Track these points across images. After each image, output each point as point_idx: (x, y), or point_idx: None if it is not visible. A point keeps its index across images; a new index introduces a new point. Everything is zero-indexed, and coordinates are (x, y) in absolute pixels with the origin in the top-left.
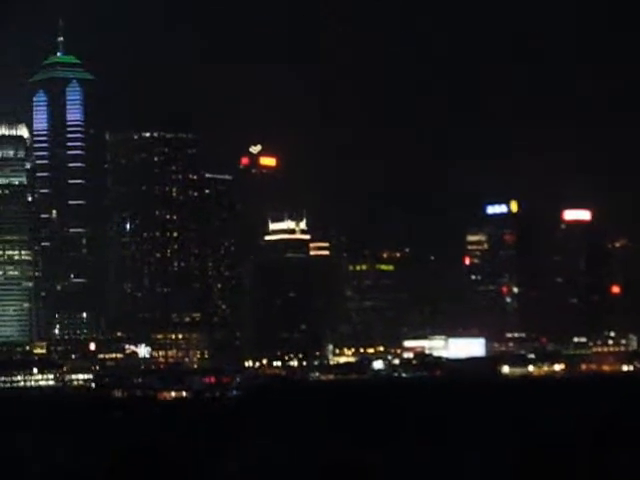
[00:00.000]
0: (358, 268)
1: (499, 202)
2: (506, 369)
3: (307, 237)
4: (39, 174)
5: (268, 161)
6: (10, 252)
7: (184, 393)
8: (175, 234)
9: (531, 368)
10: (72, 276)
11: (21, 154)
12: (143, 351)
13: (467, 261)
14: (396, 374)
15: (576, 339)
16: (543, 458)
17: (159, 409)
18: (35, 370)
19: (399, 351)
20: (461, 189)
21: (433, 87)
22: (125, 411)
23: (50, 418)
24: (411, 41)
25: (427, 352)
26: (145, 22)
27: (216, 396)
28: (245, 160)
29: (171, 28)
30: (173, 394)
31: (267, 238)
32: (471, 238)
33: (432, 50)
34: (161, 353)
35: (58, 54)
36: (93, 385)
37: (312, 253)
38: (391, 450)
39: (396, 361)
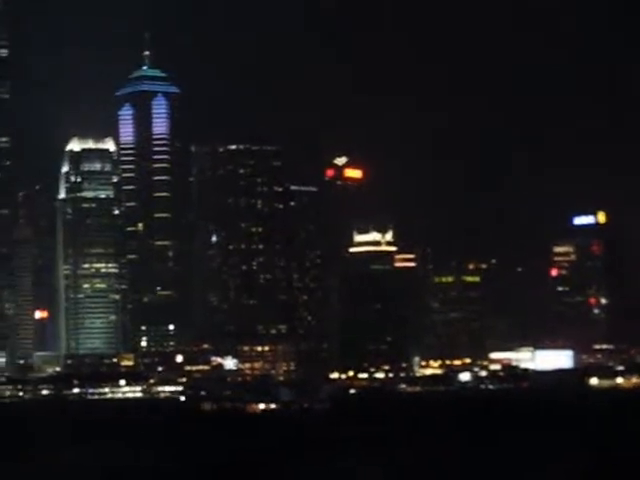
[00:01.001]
0: (444, 280)
1: (587, 213)
2: (594, 381)
3: (393, 249)
4: (125, 187)
5: (353, 173)
6: (97, 265)
7: (272, 405)
8: (261, 246)
9: (620, 380)
10: (158, 288)
11: (108, 168)
12: (229, 363)
13: (554, 272)
14: (483, 386)
15: None
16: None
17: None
18: (122, 382)
19: (485, 363)
20: (548, 199)
21: (525, 98)
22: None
23: (141, 428)
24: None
25: (514, 364)
26: (230, 35)
27: (305, 407)
28: (330, 172)
29: (254, 41)
30: (262, 406)
31: (353, 250)
32: (558, 249)
33: (533, 58)
34: (247, 365)
35: (144, 68)
36: (182, 397)
37: (398, 265)
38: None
39: (483, 373)
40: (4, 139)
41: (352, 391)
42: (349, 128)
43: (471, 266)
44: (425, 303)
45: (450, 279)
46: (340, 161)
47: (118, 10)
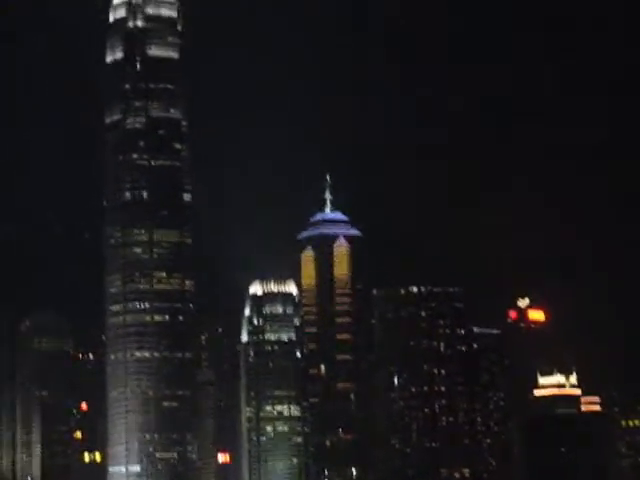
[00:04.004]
0: (631, 423)
1: None
2: None
3: (577, 392)
4: (307, 330)
5: (537, 315)
6: (279, 407)
7: None
8: (443, 388)
9: None
10: (340, 431)
11: (290, 310)
12: None
13: None
14: None
15: None
16: None
17: None
18: None
19: None
20: None
21: None
22: None
23: None
24: None
25: None
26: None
27: None
28: (513, 314)
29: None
30: None
31: (536, 393)
32: None
33: None
34: None
35: (326, 210)
36: None
37: (583, 408)
38: None
39: None
40: (188, 282)
41: None
42: (531, 271)
43: None
44: (613, 448)
45: (638, 422)
46: (523, 303)
47: (299, 153)
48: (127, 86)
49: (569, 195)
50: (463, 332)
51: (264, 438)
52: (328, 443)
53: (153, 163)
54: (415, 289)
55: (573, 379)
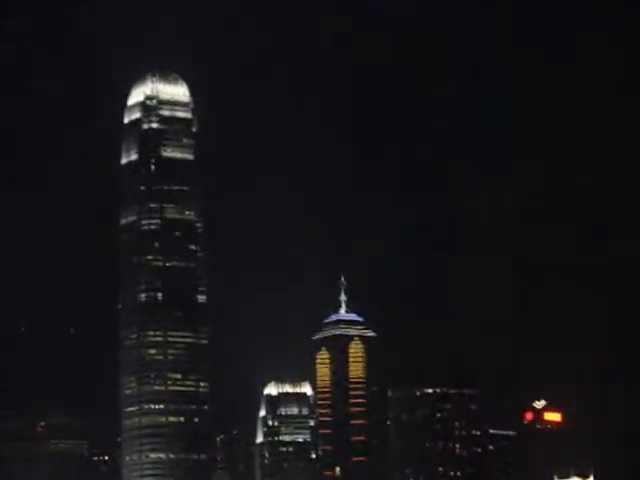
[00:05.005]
0: None
1: None
2: None
3: None
4: (322, 431)
5: (553, 416)
6: None
7: None
8: None
9: None
10: None
11: (305, 411)
12: None
13: None
14: None
15: None
16: None
17: None
18: None
19: None
20: None
21: None
22: None
23: None
24: None
25: None
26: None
27: None
28: (529, 415)
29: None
30: None
31: None
32: None
33: None
34: None
35: (341, 311)
36: None
37: None
38: None
39: None
40: (203, 384)
41: None
42: (547, 375)
43: None
44: None
45: None
46: (539, 404)
47: (314, 254)
48: (142, 187)
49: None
50: (479, 433)
51: None
52: None
53: (168, 264)
54: (430, 390)
55: None
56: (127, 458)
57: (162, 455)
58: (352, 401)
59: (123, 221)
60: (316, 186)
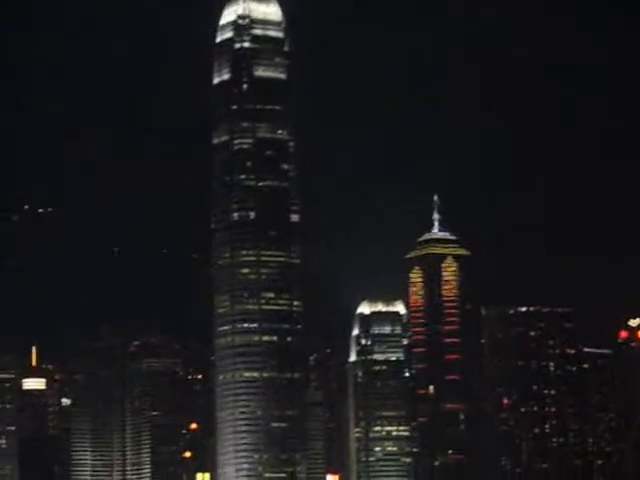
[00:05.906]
0: None
1: None
2: None
3: None
4: (415, 350)
5: None
6: (388, 428)
7: None
8: (553, 409)
9: None
10: (450, 452)
11: (398, 330)
12: None
13: None
14: None
15: None
16: None
17: None
18: None
19: None
20: None
21: None
22: None
23: None
24: None
25: None
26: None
27: None
28: (624, 334)
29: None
30: None
31: None
32: None
33: None
34: None
35: (434, 230)
36: None
37: None
38: None
39: None
40: (296, 303)
41: None
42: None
43: None
44: None
45: None
46: (634, 322)
47: (407, 174)
48: (234, 107)
49: None
50: (573, 352)
51: (373, 458)
52: (437, 463)
53: (260, 184)
54: (524, 309)
55: None
56: (220, 377)
57: (255, 374)
58: (446, 320)
59: (215, 140)
60: (412, 105)
